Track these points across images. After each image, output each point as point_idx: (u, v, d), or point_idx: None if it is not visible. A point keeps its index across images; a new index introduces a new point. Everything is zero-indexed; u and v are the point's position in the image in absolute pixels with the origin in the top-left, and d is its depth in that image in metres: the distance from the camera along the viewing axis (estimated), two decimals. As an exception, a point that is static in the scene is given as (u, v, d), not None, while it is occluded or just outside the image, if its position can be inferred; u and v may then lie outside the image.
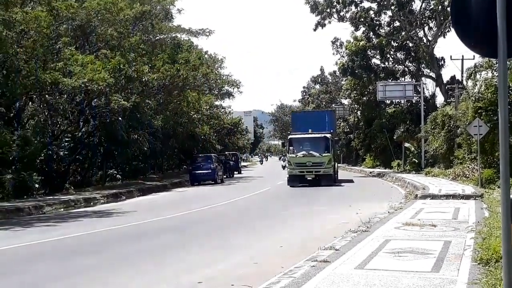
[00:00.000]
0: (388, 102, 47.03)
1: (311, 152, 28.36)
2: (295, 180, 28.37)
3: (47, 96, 27.52)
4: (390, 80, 43.67)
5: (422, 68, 45.31)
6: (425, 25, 41.90)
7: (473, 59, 32.10)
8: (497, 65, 5.15)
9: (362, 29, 43.99)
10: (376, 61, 45.59)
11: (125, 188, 28.71)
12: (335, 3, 42.25)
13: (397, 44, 44.11)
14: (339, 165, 40.53)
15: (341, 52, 46.91)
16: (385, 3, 41.20)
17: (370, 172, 42.50)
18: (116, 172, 36.13)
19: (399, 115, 43.61)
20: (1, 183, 23.37)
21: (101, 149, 33.00)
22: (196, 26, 54.84)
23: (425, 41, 42.20)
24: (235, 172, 49.38)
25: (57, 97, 27.88)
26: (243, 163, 75.01)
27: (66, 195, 24.67)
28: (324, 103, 69.26)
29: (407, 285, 6.39)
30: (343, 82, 56.70)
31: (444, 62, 43.08)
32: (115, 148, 32.17)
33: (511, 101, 13.30)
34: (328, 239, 10.20)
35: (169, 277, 8.24)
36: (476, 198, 17.15)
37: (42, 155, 26.63)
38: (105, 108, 29.25)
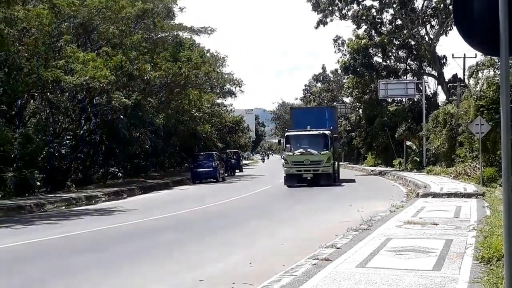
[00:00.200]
0: (389, 100, 47.00)
1: (309, 150, 27.11)
2: (292, 180, 27.26)
3: (48, 94, 27.53)
4: (392, 79, 43.63)
5: (424, 67, 45.25)
6: (427, 23, 41.86)
7: (475, 57, 32.04)
8: (499, 63, 5.14)
9: (364, 27, 43.95)
10: (378, 59, 45.58)
11: (126, 186, 28.74)
12: (337, 1, 42.22)
13: (399, 42, 44.05)
14: (340, 163, 40.41)
15: (343, 50, 46.89)
16: (387, 1, 41.15)
17: (372, 171, 42.47)
18: (117, 170, 36.17)
19: (400, 114, 43.57)
20: (2, 180, 23.41)
21: (102, 147, 33.02)
22: (197, 25, 54.77)
23: (427, 39, 42.14)
24: (236, 170, 49.41)
25: (59, 95, 27.89)
26: (244, 161, 75.04)
27: (68, 193, 24.69)
28: (325, 101, 69.26)
29: (409, 284, 6.38)
30: (344, 80, 56.69)
31: (446, 60, 43.06)
32: (116, 146, 32.21)
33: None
34: (330, 237, 10.19)
35: (171, 275, 8.24)
36: (478, 196, 17.12)
37: (44, 153, 26.66)
38: (106, 106, 29.26)
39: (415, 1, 41.04)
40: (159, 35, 36.33)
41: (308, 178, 27.23)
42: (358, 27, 44.05)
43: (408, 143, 40.83)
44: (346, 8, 42.61)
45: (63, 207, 20.57)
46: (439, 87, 43.45)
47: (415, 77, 44.25)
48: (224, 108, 64.85)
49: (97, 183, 30.83)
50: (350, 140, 59.44)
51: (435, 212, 13.43)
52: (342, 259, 7.90)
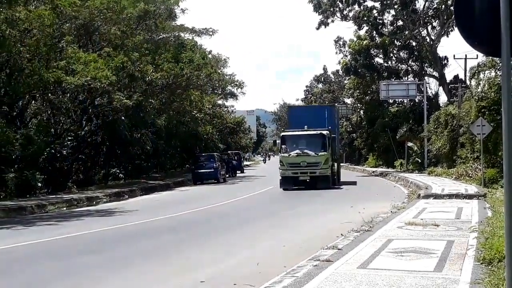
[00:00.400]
0: (391, 101, 47.02)
1: (305, 151, 25.62)
2: (288, 183, 25.70)
3: (50, 95, 27.55)
4: (393, 80, 43.64)
5: (425, 68, 45.29)
6: (428, 24, 41.88)
7: (477, 58, 32.04)
8: (500, 64, 5.13)
9: (365, 28, 44.00)
10: (379, 60, 45.66)
11: (127, 187, 28.74)
12: (338, 2, 42.27)
13: (400, 43, 44.10)
14: (341, 164, 40.21)
15: (344, 51, 46.96)
16: (389, 2, 41.16)
17: (373, 172, 42.45)
18: (118, 171, 36.17)
19: (402, 115, 43.58)
20: (4, 181, 23.41)
21: (103, 148, 33.04)
22: (199, 26, 54.86)
23: (428, 40, 42.16)
24: (237, 171, 49.35)
25: (60, 96, 27.92)
26: (245, 162, 75.01)
27: (69, 194, 24.71)
28: (327, 102, 69.12)
29: (410, 285, 6.37)
30: (346, 81, 56.68)
31: (447, 61, 43.12)
32: (117, 147, 32.25)
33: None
34: (331, 238, 10.19)
35: (172, 276, 8.24)
36: (479, 197, 17.10)
37: (45, 154, 26.66)
38: (108, 107, 29.26)
39: (416, 2, 41.12)
40: (161, 36, 36.33)
41: (307, 180, 25.71)
42: (360, 28, 44.11)
43: (409, 144, 40.81)
44: (347, 9, 42.67)
45: (64, 208, 20.57)
46: (441, 88, 43.50)
47: (416, 78, 44.27)
48: (226, 109, 64.88)
49: (98, 184, 30.84)
50: (351, 141, 59.48)
51: (437, 213, 13.41)
52: (343, 260, 7.89)
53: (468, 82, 32.34)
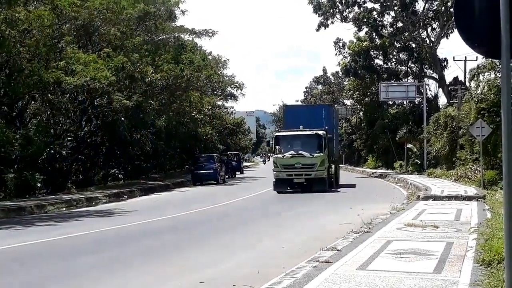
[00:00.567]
0: (390, 102, 47.03)
1: (300, 152, 24.62)
2: (283, 185, 24.87)
3: (49, 95, 27.54)
4: (392, 81, 43.63)
5: (425, 69, 45.31)
6: (428, 26, 41.94)
7: (476, 60, 31.92)
8: (500, 66, 5.14)
9: (365, 29, 44.05)
10: (379, 61, 45.68)
11: (127, 187, 28.73)
12: (338, 4, 42.30)
13: (400, 45, 44.11)
14: (341, 165, 40.14)
15: (344, 52, 46.93)
16: (388, 3, 41.21)
17: (372, 173, 42.47)
18: (118, 171, 36.17)
19: (401, 116, 43.61)
20: (3, 182, 23.42)
21: (103, 148, 33.03)
22: (199, 27, 54.87)
23: (428, 42, 42.20)
24: (237, 172, 49.35)
25: (60, 96, 27.92)
26: (245, 163, 75.04)
27: (68, 194, 24.70)
28: (326, 103, 69.24)
29: (409, 286, 6.37)
30: (345, 83, 56.68)
31: (447, 63, 43.19)
32: (117, 148, 32.23)
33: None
34: (330, 239, 10.19)
35: (171, 277, 8.23)
36: (479, 199, 17.11)
37: (44, 154, 26.66)
38: (107, 107, 29.26)
39: (416, 4, 41.16)
40: (161, 37, 36.33)
41: (305, 183, 24.78)
42: (359, 29, 44.14)
43: (409, 145, 40.84)
44: (347, 11, 42.72)
45: (64, 209, 20.57)
46: (440, 89, 43.54)
47: (416, 80, 44.26)
48: (225, 110, 64.89)
49: (98, 185, 30.83)
50: (350, 142, 59.46)
51: (436, 214, 13.42)
52: (343, 262, 7.89)
53: (467, 84, 32.30)
